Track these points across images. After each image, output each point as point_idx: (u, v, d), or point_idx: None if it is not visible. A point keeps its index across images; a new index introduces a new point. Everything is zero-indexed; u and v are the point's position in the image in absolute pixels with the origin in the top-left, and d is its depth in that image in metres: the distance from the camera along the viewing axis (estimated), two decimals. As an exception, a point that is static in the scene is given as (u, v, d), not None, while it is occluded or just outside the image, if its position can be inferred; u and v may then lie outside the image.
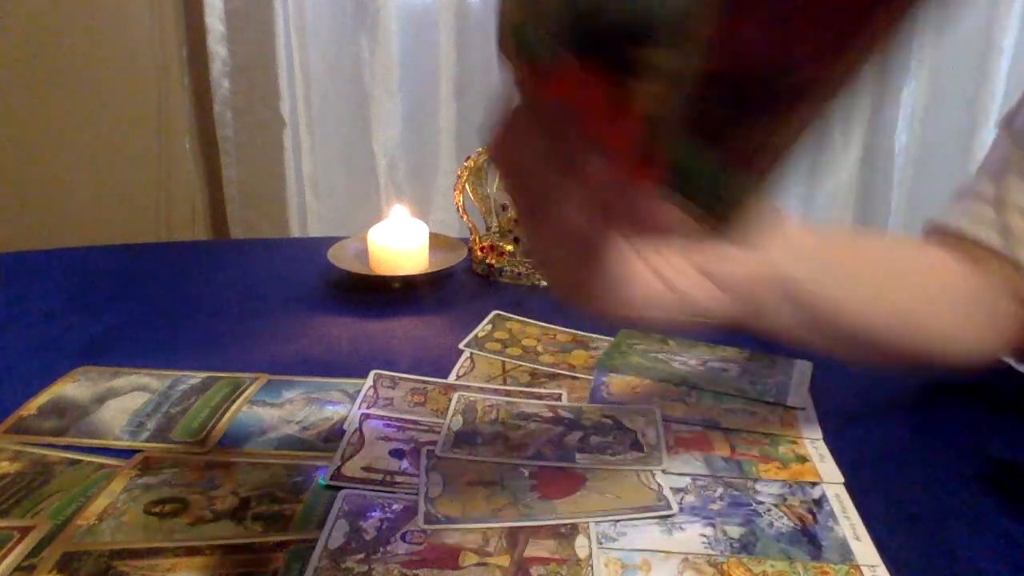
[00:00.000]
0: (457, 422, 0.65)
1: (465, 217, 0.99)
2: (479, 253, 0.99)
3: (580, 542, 0.51)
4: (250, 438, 0.63)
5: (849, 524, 0.54)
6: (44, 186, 1.47)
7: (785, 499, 0.57)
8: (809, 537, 0.53)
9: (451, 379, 0.73)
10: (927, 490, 0.59)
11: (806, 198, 1.60)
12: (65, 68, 1.42)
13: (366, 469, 0.58)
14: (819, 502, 0.57)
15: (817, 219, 1.63)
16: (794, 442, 0.64)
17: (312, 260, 0.98)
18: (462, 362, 0.76)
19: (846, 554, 0.51)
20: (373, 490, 0.56)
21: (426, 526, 0.52)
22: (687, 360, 0.78)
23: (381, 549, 0.50)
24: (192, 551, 0.50)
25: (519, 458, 0.60)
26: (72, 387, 0.70)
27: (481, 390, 0.71)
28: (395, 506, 0.54)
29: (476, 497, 0.55)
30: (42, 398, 0.68)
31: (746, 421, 0.67)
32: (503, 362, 0.77)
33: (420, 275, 0.94)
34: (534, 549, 0.51)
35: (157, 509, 0.54)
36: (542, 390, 0.71)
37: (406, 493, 0.56)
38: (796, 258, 0.47)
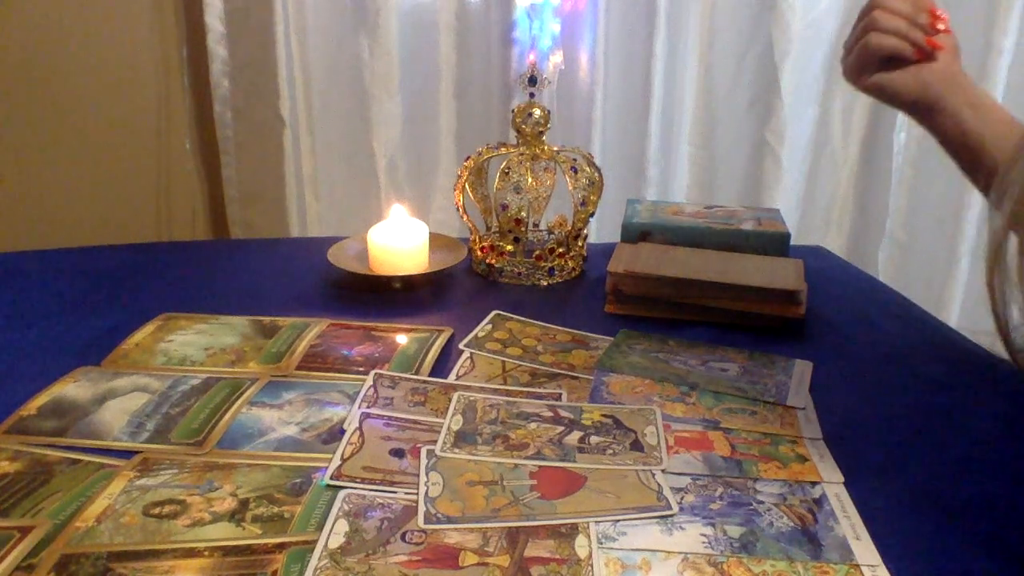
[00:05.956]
0: (457, 422, 0.65)
1: (465, 217, 0.99)
2: (479, 253, 0.99)
3: (580, 542, 0.51)
4: (249, 439, 0.63)
5: (849, 524, 0.54)
6: (44, 186, 1.46)
7: (785, 499, 0.57)
8: (809, 537, 0.53)
9: (451, 379, 0.73)
10: (927, 490, 0.59)
11: (804, 197, 1.60)
12: (65, 68, 1.42)
13: (366, 469, 0.58)
14: (819, 502, 0.57)
15: (815, 220, 1.63)
16: (794, 442, 0.64)
17: (312, 260, 0.98)
18: (462, 362, 0.76)
19: (846, 554, 0.51)
20: (373, 490, 0.56)
21: (426, 526, 0.52)
22: (687, 360, 0.78)
23: (381, 549, 0.50)
24: (190, 553, 0.50)
25: (519, 458, 0.60)
26: (72, 387, 0.70)
27: (481, 390, 0.71)
28: (395, 506, 0.54)
29: (476, 497, 0.55)
30: (42, 398, 0.68)
31: (746, 421, 0.67)
32: (503, 362, 0.77)
33: (420, 275, 0.94)
34: (534, 549, 0.51)
35: (156, 511, 0.54)
36: (542, 390, 0.71)
37: (406, 493, 0.56)
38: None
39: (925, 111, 0.74)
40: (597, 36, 1.47)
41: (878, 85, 0.75)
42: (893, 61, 0.74)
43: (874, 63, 0.75)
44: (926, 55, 0.74)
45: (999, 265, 0.54)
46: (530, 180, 0.93)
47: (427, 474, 0.58)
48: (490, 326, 0.84)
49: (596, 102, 1.50)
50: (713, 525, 0.54)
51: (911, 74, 0.74)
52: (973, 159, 0.72)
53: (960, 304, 1.57)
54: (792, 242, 0.99)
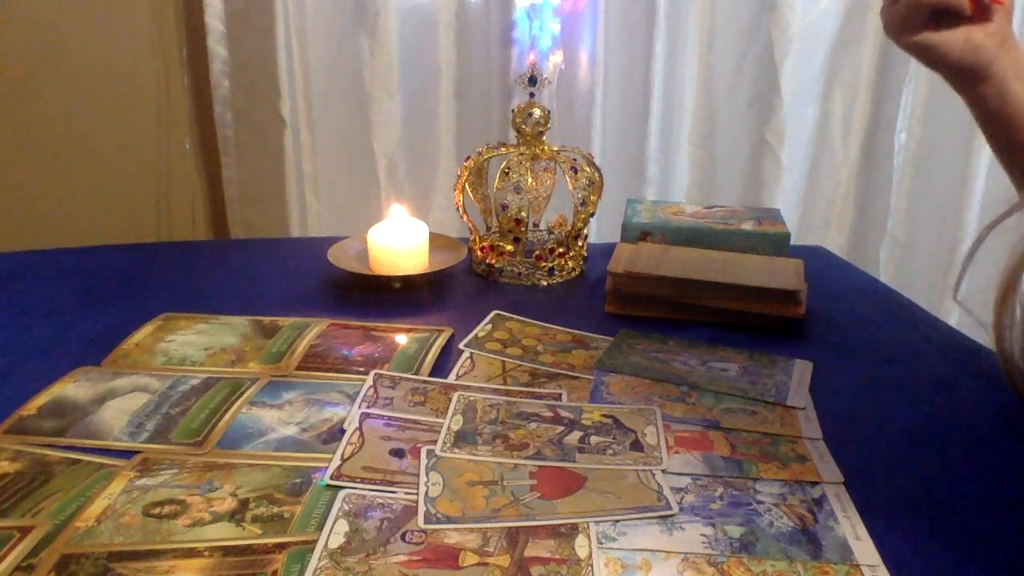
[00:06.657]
0: (457, 422, 0.65)
1: (465, 217, 0.99)
2: (479, 253, 0.99)
3: (580, 542, 0.51)
4: (249, 439, 0.63)
5: (849, 524, 0.54)
6: (44, 186, 1.46)
7: (785, 499, 0.57)
8: (809, 537, 0.53)
9: (451, 379, 0.73)
10: (927, 490, 0.59)
11: (805, 197, 1.60)
12: (65, 68, 1.42)
13: (366, 469, 0.58)
14: (819, 502, 0.57)
15: (815, 220, 1.63)
16: (794, 442, 0.64)
17: (312, 260, 0.98)
18: (462, 362, 0.76)
19: (846, 554, 0.51)
20: (373, 490, 0.56)
21: (426, 526, 0.52)
22: (687, 360, 0.78)
23: (381, 549, 0.50)
24: (190, 553, 0.50)
25: (519, 458, 0.60)
26: (72, 387, 0.70)
27: (481, 390, 0.71)
28: (395, 506, 0.54)
29: (476, 497, 0.55)
30: (42, 398, 0.68)
31: (746, 421, 0.67)
32: (503, 362, 0.77)
33: (420, 275, 0.94)
34: (534, 549, 0.51)
35: (156, 511, 0.54)
36: (542, 390, 0.71)
37: (406, 493, 0.56)
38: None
39: (970, 77, 0.67)
40: (597, 36, 1.47)
41: (924, 45, 0.66)
42: (941, 17, 0.66)
43: (922, 18, 0.66)
44: (983, 11, 0.65)
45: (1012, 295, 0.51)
46: (530, 180, 0.93)
47: (427, 474, 0.58)
48: (490, 326, 0.84)
49: (596, 102, 1.50)
50: (713, 525, 0.54)
51: (961, 34, 0.65)
52: (1009, 134, 0.67)
53: (960, 304, 1.57)
54: (792, 242, 0.99)
